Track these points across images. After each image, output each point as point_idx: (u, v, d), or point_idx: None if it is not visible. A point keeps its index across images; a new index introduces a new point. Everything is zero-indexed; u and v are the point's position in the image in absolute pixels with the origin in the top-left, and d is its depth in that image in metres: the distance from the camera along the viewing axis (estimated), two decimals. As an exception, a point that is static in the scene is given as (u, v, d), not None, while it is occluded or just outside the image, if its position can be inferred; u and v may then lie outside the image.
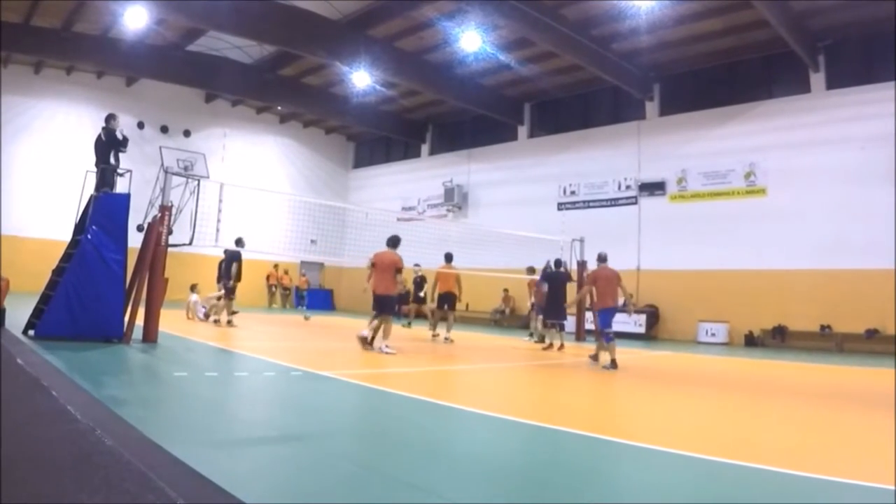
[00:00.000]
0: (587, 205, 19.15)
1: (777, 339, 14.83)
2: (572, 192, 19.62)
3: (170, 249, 8.90)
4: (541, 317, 12.27)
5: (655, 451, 3.83)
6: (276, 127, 25.84)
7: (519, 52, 17.10)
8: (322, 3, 15.61)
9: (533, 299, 13.56)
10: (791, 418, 5.60)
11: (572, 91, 19.72)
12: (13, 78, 19.18)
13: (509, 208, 20.48)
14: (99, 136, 8.84)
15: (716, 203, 16.43)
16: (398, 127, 24.62)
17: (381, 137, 26.47)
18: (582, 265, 14.86)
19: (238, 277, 12.66)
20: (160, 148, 9.47)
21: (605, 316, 9.04)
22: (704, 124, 16.88)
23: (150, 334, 8.36)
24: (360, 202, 24.95)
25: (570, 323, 13.54)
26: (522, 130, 21.53)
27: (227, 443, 3.71)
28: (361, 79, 18.64)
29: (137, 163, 10.20)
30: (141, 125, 21.56)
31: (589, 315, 12.59)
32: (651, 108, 18.22)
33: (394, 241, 9.56)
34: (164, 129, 22.33)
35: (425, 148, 25.07)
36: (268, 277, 24.28)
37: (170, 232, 8.75)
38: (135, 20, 15.45)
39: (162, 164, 9.04)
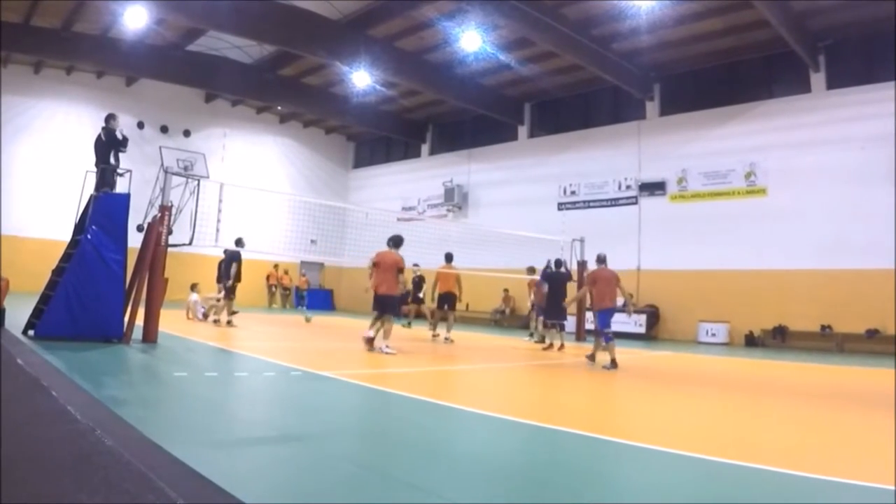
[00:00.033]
0: (587, 205, 19.15)
1: (777, 340, 14.83)
2: (572, 192, 19.62)
3: (170, 249, 8.89)
4: (541, 317, 12.26)
5: (655, 452, 3.83)
6: (276, 127, 25.84)
7: (519, 51, 17.10)
8: (322, 2, 15.61)
9: (533, 299, 13.57)
10: (791, 418, 5.59)
11: (573, 91, 19.72)
12: (13, 78, 19.18)
13: (509, 208, 20.48)
14: (99, 135, 8.84)
15: (716, 203, 16.43)
16: (398, 127, 24.62)
17: (382, 137, 26.47)
18: (582, 265, 14.86)
19: (238, 277, 12.65)
20: (160, 148, 9.46)
21: (604, 316, 9.09)
22: (705, 124, 16.88)
23: (149, 334, 8.36)
24: (360, 202, 24.95)
25: (570, 323, 13.54)
26: (523, 130, 21.52)
27: (227, 443, 3.70)
28: (361, 79, 18.64)
29: (137, 163, 10.19)
30: (141, 125, 21.56)
31: (589, 315, 12.58)
32: (651, 107, 18.22)
33: (396, 241, 9.55)
34: (164, 129, 22.34)
35: (425, 148, 25.07)
36: (268, 277, 24.28)
37: (170, 232, 8.75)
38: (134, 20, 15.45)
39: (162, 164, 9.03)
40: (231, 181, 11.11)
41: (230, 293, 12.66)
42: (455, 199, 22.56)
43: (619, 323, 12.24)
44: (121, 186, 8.89)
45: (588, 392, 7.01)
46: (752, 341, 15.12)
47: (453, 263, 13.05)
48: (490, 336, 15.32)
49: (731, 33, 15.12)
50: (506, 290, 19.56)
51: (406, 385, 6.55)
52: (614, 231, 17.49)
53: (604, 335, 8.97)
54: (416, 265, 14.91)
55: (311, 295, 24.85)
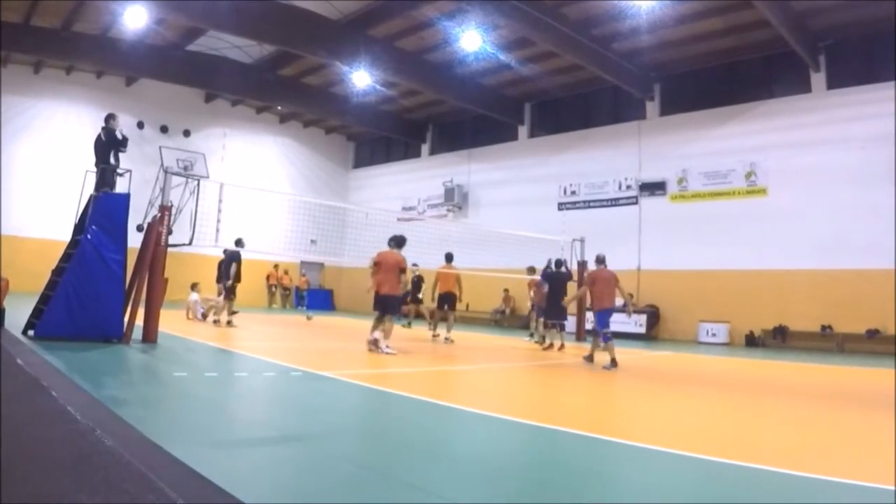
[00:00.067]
0: (588, 205, 19.15)
1: (778, 340, 14.82)
2: (573, 192, 19.62)
3: (169, 249, 8.89)
4: (542, 318, 12.25)
5: (655, 452, 3.83)
6: (275, 127, 25.84)
7: (519, 51, 17.10)
8: (322, 2, 15.61)
9: (532, 299, 13.57)
10: (791, 418, 5.59)
11: (573, 91, 19.72)
12: (13, 78, 19.17)
13: (510, 208, 20.48)
14: (99, 135, 8.84)
15: (716, 203, 16.43)
16: (398, 127, 24.61)
17: (382, 137, 26.46)
18: (582, 265, 14.86)
19: (238, 278, 12.66)
20: (160, 148, 9.46)
21: (603, 317, 9.14)
22: (705, 124, 16.88)
23: (149, 334, 8.36)
24: (360, 202, 24.95)
25: (570, 323, 13.54)
26: (523, 130, 21.52)
27: (227, 443, 3.70)
28: (361, 78, 18.64)
29: (137, 163, 10.19)
30: (141, 125, 21.56)
31: (590, 315, 12.58)
32: (651, 107, 18.22)
33: (398, 242, 9.55)
34: (164, 129, 22.34)
35: (425, 148, 25.07)
36: (268, 277, 24.28)
37: (169, 232, 8.75)
38: (134, 20, 15.45)
39: (162, 164, 9.03)
40: (231, 181, 11.11)
41: (230, 293, 12.66)
42: (455, 199, 22.56)
43: (619, 323, 12.27)
44: (121, 186, 8.89)
45: (588, 392, 7.00)
46: (752, 341, 15.12)
47: (453, 263, 13.04)
48: (490, 336, 15.32)
49: (732, 33, 15.12)
50: (506, 290, 19.56)
51: (406, 385, 6.55)
52: (614, 231, 17.49)
53: (602, 335, 9.00)
54: (414, 265, 14.91)
55: (311, 295, 24.79)
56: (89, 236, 8.01)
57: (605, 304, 9.17)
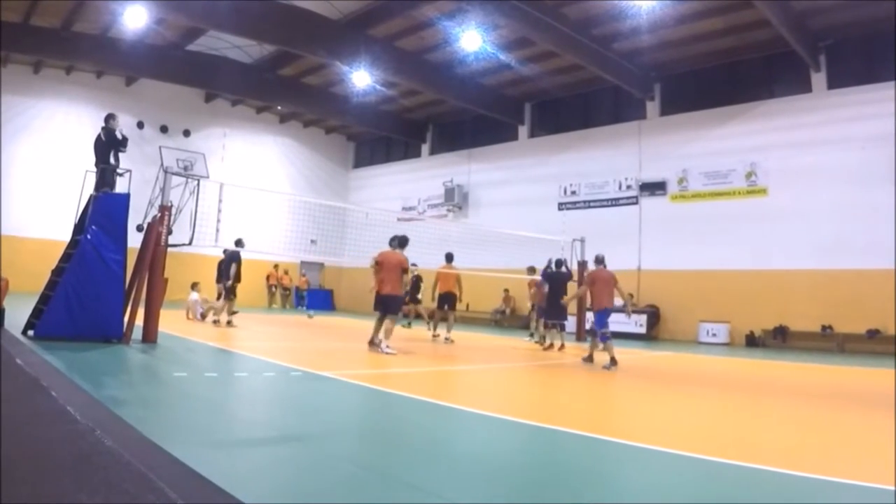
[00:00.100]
0: (588, 205, 19.15)
1: (778, 340, 14.82)
2: (573, 192, 19.61)
3: (169, 249, 8.89)
4: (542, 319, 12.24)
5: (655, 452, 3.83)
6: (275, 127, 25.84)
7: (519, 51, 17.09)
8: (322, 2, 15.61)
9: (532, 299, 13.57)
10: (791, 418, 5.59)
11: (573, 91, 19.72)
12: (12, 77, 19.17)
13: (510, 208, 20.48)
14: (98, 135, 8.83)
15: (717, 203, 16.42)
16: (398, 127, 24.61)
17: (382, 137, 26.46)
18: (582, 265, 14.85)
19: (238, 278, 12.65)
20: (160, 148, 9.46)
21: (602, 317, 9.17)
22: (705, 124, 16.88)
23: (149, 334, 8.36)
24: (361, 202, 24.95)
25: (570, 323, 13.53)
26: (523, 130, 21.52)
27: (227, 443, 3.70)
28: (361, 78, 18.64)
29: (137, 163, 10.18)
30: (140, 125, 21.56)
31: (590, 315, 12.59)
32: (652, 107, 18.22)
33: (401, 242, 9.55)
34: (164, 129, 22.33)
35: (425, 148, 25.07)
36: (268, 277, 24.28)
37: (169, 232, 8.75)
38: (134, 20, 15.45)
39: (161, 164, 9.02)
40: (231, 181, 11.10)
41: (230, 293, 12.66)
42: (455, 199, 22.56)
43: (620, 323, 12.28)
44: (120, 186, 8.89)
45: (588, 392, 7.00)
46: (752, 341, 15.12)
47: (453, 263, 13.04)
48: (490, 336, 15.31)
49: (732, 33, 15.12)
50: (506, 291, 19.56)
51: (406, 385, 6.55)
52: (615, 231, 17.49)
53: (600, 335, 9.02)
54: (413, 265, 14.90)
55: (311, 295, 24.88)
56: (89, 236, 8.00)
57: (604, 304, 9.21)
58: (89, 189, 8.65)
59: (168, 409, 4.73)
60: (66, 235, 9.01)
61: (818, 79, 15.05)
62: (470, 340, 13.10)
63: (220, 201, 9.84)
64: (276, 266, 24.47)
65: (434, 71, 18.72)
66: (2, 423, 3.21)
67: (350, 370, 7.40)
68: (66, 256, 8.28)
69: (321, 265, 26.27)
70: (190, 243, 9.37)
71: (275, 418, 4.77)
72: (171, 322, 10.66)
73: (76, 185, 9.36)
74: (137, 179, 9.06)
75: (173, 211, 8.85)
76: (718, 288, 15.83)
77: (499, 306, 19.88)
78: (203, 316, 13.47)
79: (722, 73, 16.99)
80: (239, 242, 12.51)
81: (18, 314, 8.35)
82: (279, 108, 24.54)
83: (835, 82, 14.83)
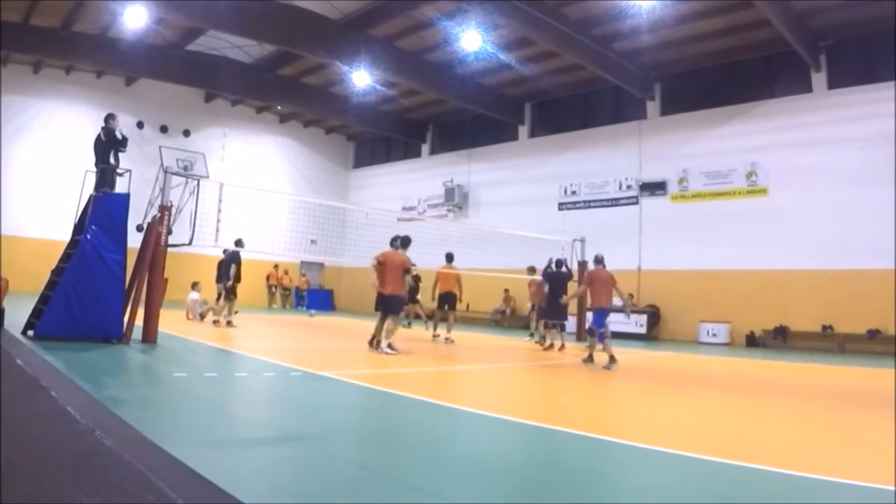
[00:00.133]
0: (588, 205, 19.14)
1: (778, 340, 14.81)
2: (573, 192, 19.61)
3: (169, 249, 8.89)
4: (542, 319, 12.24)
5: (655, 452, 3.82)
6: (276, 127, 25.83)
7: (519, 51, 17.09)
8: (322, 2, 15.61)
9: (532, 299, 13.56)
10: (792, 418, 5.59)
11: (573, 91, 19.71)
12: (12, 77, 19.16)
13: (510, 208, 20.47)
14: (98, 135, 8.83)
15: (717, 203, 16.42)
16: (398, 127, 24.61)
17: (382, 137, 26.46)
18: (583, 265, 14.84)
19: (238, 278, 12.65)
20: (160, 148, 9.45)
21: (600, 317, 9.20)
22: (705, 124, 16.87)
23: (149, 335, 8.35)
24: (361, 202, 24.95)
25: (570, 323, 13.52)
26: (523, 130, 21.52)
27: (227, 443, 3.70)
28: (361, 78, 18.63)
29: (137, 162, 10.17)
30: (140, 125, 21.56)
31: (590, 315, 12.59)
32: (652, 107, 18.21)
33: (404, 242, 9.57)
34: (164, 129, 22.33)
35: (426, 148, 25.06)
36: (268, 278, 24.27)
37: (169, 232, 8.75)
38: (134, 19, 15.44)
39: (161, 164, 9.02)
40: (231, 181, 11.09)
41: (231, 294, 12.66)
42: (455, 199, 22.55)
43: (620, 323, 12.28)
44: (120, 186, 8.88)
45: (588, 392, 7.00)
46: (753, 342, 15.11)
47: (454, 263, 13.04)
48: (490, 336, 15.31)
49: (732, 33, 15.11)
50: (506, 291, 19.55)
51: (406, 385, 6.55)
52: (615, 231, 17.48)
53: (598, 335, 9.03)
54: (413, 265, 14.88)
55: (311, 295, 24.88)
56: (89, 236, 8.00)
57: (602, 303, 9.23)
58: (89, 189, 8.65)
59: (168, 409, 4.73)
60: (65, 235, 9.01)
61: (819, 79, 15.04)
62: (470, 340, 13.09)
63: (220, 201, 9.84)
64: (276, 266, 24.46)
65: (434, 71, 18.72)
66: (2, 423, 3.20)
67: (350, 370, 7.39)
68: (66, 256, 8.27)
69: (321, 265, 26.27)
70: (190, 243, 9.37)
71: (275, 418, 4.77)
72: (170, 322, 10.65)
73: (76, 185, 9.36)
74: (137, 179, 9.05)
75: (173, 211, 8.85)
76: (719, 288, 15.82)
77: (499, 306, 19.87)
78: (202, 316, 13.47)
79: (722, 72, 16.99)
80: (239, 242, 12.51)
81: (18, 314, 8.34)
82: (279, 108, 24.54)
83: (835, 82, 14.82)
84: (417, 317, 16.24)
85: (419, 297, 15.57)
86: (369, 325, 9.90)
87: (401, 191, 24.76)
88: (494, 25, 15.42)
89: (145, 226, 8.75)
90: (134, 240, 8.55)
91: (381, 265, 9.29)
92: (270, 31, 15.83)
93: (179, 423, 4.22)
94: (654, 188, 17.67)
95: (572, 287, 12.36)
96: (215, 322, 12.70)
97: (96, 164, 8.72)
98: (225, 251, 12.65)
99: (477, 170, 22.59)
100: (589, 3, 14.54)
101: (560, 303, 11.17)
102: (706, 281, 16.07)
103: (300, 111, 24.66)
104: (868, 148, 13.93)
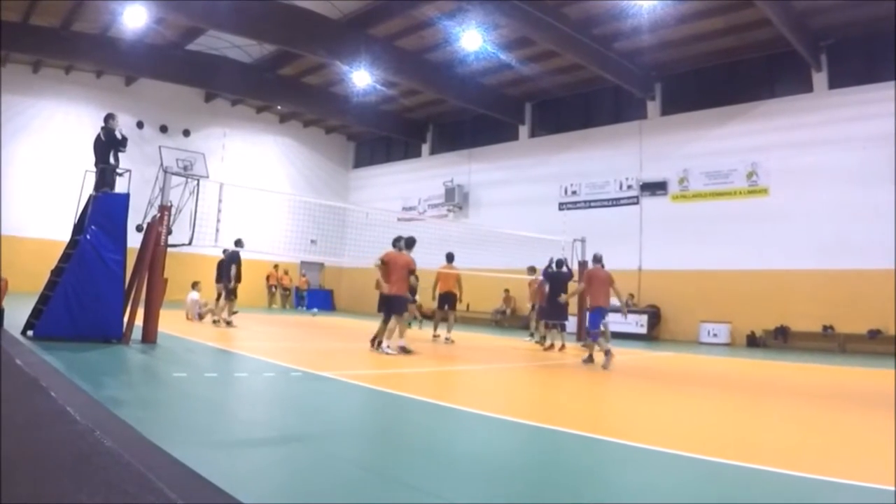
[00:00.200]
0: (588, 205, 19.13)
1: (779, 340, 14.80)
2: (573, 192, 19.60)
3: (169, 249, 8.88)
4: (543, 320, 12.23)
5: (656, 452, 3.82)
6: (275, 126, 25.83)
7: (520, 51, 17.08)
8: (322, 2, 15.60)
9: (532, 299, 13.55)
10: (792, 419, 5.58)
11: (574, 90, 19.70)
12: (12, 77, 19.15)
13: (510, 208, 20.47)
14: (98, 135, 8.83)
15: (718, 203, 16.41)
16: (398, 126, 24.60)
17: (382, 137, 26.45)
18: (583, 265, 14.83)
19: (238, 278, 12.65)
20: (159, 147, 9.45)
21: (596, 316, 9.20)
22: (706, 124, 16.86)
23: (149, 335, 8.35)
24: (361, 202, 24.94)
25: (571, 323, 13.51)
26: (523, 130, 21.51)
27: (227, 444, 3.70)
28: (362, 78, 18.63)
29: (137, 162, 10.16)
30: (140, 125, 21.55)
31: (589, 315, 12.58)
32: (652, 107, 18.20)
33: (408, 243, 9.58)
34: (164, 129, 22.32)
35: (426, 147, 25.06)
36: (268, 278, 24.26)
37: (169, 232, 8.74)
38: (134, 19, 15.44)
39: (161, 164, 9.02)
40: (231, 181, 11.09)
41: (231, 294, 12.65)
42: (455, 199, 22.55)
43: (620, 323, 12.28)
44: (120, 186, 8.88)
45: (588, 393, 7.00)
46: (753, 342, 15.10)
47: (454, 263, 13.03)
48: (491, 336, 15.31)
49: (733, 32, 15.10)
50: (506, 291, 19.55)
51: (406, 385, 6.55)
52: (615, 231, 17.47)
53: (591, 335, 9.05)
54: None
55: (311, 295, 24.88)
56: (89, 236, 8.00)
57: (599, 302, 9.25)
58: (89, 189, 8.65)
59: (168, 409, 4.73)
60: (65, 235, 9.00)
61: (819, 78, 15.03)
62: (470, 341, 13.09)
63: (220, 201, 9.84)
64: (276, 266, 24.45)
65: (434, 70, 18.71)
66: (2, 423, 3.20)
67: (350, 370, 7.39)
68: (66, 256, 8.27)
69: (321, 265, 26.27)
70: (190, 243, 9.36)
71: (275, 418, 4.76)
72: (170, 322, 10.65)
73: (76, 185, 9.36)
74: (137, 179, 9.04)
75: (173, 211, 8.85)
76: (719, 288, 15.81)
77: (499, 306, 19.87)
78: (201, 316, 13.46)
79: (723, 72, 16.98)
80: (239, 242, 12.50)
81: (18, 314, 8.34)
82: (279, 107, 24.53)
83: (836, 82, 14.81)
84: (414, 317, 16.24)
85: (418, 297, 15.58)
86: (369, 325, 9.91)
87: (401, 191, 24.75)
88: (495, 25, 15.42)
89: (145, 226, 8.74)
90: (134, 240, 8.54)
91: (385, 265, 9.29)
92: (270, 31, 15.83)
93: (179, 423, 4.22)
94: (655, 188, 17.67)
95: (573, 287, 12.36)
96: (215, 322, 12.69)
97: (96, 164, 8.72)
98: (225, 251, 12.64)
99: (477, 170, 22.58)
100: (589, 3, 14.54)
101: (560, 303, 11.17)
102: (707, 281, 16.07)
103: (300, 111, 24.66)
104: (868, 148, 13.92)
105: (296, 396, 5.73)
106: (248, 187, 12.45)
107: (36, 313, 7.98)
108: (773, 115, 15.62)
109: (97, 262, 7.92)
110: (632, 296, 17.09)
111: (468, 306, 17.77)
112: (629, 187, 18.28)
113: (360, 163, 28.12)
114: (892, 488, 3.09)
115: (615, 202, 18.55)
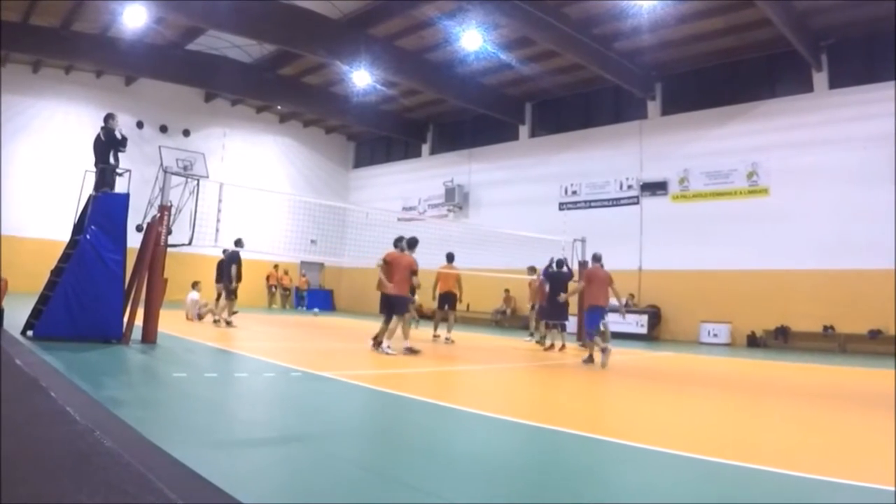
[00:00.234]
0: (589, 205, 19.13)
1: (780, 340, 14.80)
2: (574, 192, 19.60)
3: (169, 249, 8.88)
4: (543, 320, 12.22)
5: (656, 452, 3.82)
6: (275, 126, 25.83)
7: (520, 51, 17.08)
8: (322, 2, 15.60)
9: (532, 299, 13.54)
10: (792, 419, 5.58)
11: (574, 90, 19.70)
12: (12, 77, 19.15)
13: (510, 208, 20.46)
14: (98, 135, 8.82)
15: (718, 203, 16.41)
16: (399, 126, 24.60)
17: (382, 137, 26.45)
18: (583, 265, 14.82)
19: (238, 278, 12.64)
20: (159, 147, 9.45)
21: (594, 315, 9.20)
22: (706, 124, 16.86)
23: (149, 335, 8.34)
24: (361, 202, 24.94)
25: (571, 323, 13.51)
26: (524, 130, 21.51)
27: (227, 444, 3.69)
28: (362, 78, 18.62)
29: (136, 162, 10.16)
30: (140, 125, 21.55)
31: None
32: (653, 107, 18.20)
33: (411, 244, 9.58)
34: (164, 129, 22.32)
35: (426, 147, 25.05)
36: (268, 278, 24.26)
37: (169, 232, 8.74)
38: (134, 19, 15.44)
39: (161, 164, 9.01)
40: (231, 181, 11.09)
41: (231, 294, 12.65)
42: (456, 199, 22.54)
43: (620, 323, 12.27)
44: (120, 186, 8.88)
45: (588, 393, 6.99)
46: (754, 342, 15.10)
47: (454, 263, 13.03)
48: (491, 336, 15.31)
49: (733, 32, 15.10)
50: (507, 291, 19.54)
51: (406, 386, 6.54)
52: (616, 231, 17.47)
53: (587, 334, 9.04)
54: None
55: (311, 295, 24.88)
56: (88, 236, 7.99)
57: (598, 301, 9.24)
58: (89, 189, 8.64)
59: (167, 409, 4.72)
60: (65, 235, 9.00)
61: (820, 78, 15.03)
62: (470, 341, 13.09)
63: (220, 201, 9.82)
64: (276, 266, 24.45)
65: (434, 70, 18.71)
66: (2, 423, 3.20)
67: (350, 370, 7.38)
68: (66, 256, 8.26)
69: (321, 265, 26.26)
70: (190, 243, 9.36)
71: (275, 419, 4.76)
72: (170, 322, 10.65)
73: (76, 185, 9.35)
74: (137, 179, 9.04)
75: (173, 211, 8.84)
76: (720, 288, 15.81)
77: (499, 306, 19.86)
78: (200, 317, 13.46)
79: (723, 72, 16.98)
80: (238, 242, 12.49)
81: (18, 314, 8.33)
82: (279, 107, 24.53)
83: (836, 82, 14.81)
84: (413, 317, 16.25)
85: (417, 297, 15.58)
86: (369, 325, 9.91)
87: (401, 191, 24.75)
88: (495, 25, 15.42)
89: (145, 226, 8.74)
90: (133, 240, 8.54)
91: (388, 265, 9.29)
92: (270, 31, 15.83)
93: (179, 423, 4.21)
94: (655, 188, 17.66)
95: (573, 286, 12.35)
96: (215, 322, 12.69)
97: (96, 164, 8.71)
98: (225, 251, 12.64)
99: (477, 170, 22.58)
100: (590, 3, 14.54)
101: (561, 303, 11.16)
102: (707, 281, 16.06)
103: (300, 111, 24.66)
104: (869, 148, 13.92)
105: (296, 396, 5.73)
106: (248, 187, 12.44)
107: (36, 313, 7.98)
108: (774, 115, 15.61)
109: (97, 263, 7.92)
110: (632, 296, 17.09)
111: (468, 306, 17.76)
112: (629, 187, 18.28)
113: (360, 163, 28.12)
114: (892, 488, 3.08)
115: (615, 202, 18.55)
